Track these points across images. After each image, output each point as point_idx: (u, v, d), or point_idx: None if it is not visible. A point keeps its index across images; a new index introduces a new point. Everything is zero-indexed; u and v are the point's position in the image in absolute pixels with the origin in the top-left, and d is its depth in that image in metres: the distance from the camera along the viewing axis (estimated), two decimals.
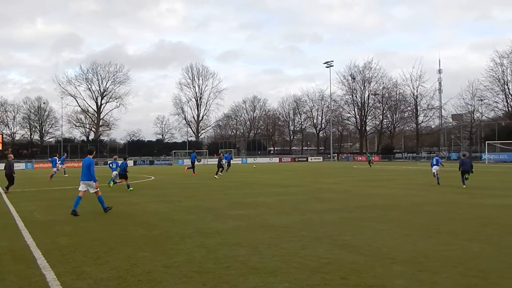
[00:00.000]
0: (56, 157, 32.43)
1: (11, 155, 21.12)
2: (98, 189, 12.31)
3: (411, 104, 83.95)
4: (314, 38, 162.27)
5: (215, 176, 29.21)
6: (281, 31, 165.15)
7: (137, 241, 8.09)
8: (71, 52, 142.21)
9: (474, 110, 75.79)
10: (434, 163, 22.44)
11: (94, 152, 12.72)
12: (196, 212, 12.17)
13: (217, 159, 34.46)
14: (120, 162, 21.73)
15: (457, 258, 6.53)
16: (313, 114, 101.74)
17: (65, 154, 41.09)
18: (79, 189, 12.24)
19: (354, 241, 7.75)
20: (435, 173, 21.95)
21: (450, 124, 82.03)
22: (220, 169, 31.04)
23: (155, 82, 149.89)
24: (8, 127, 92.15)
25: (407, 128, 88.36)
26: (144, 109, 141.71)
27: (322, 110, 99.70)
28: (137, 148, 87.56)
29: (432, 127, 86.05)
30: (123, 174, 20.54)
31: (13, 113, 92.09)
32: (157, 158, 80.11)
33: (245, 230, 9.06)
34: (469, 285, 5.31)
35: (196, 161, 37.84)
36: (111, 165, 23.50)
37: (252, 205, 13.56)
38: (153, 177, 32.03)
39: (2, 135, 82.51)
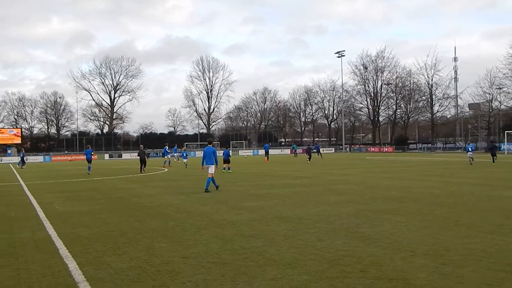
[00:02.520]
0: (166, 147, 39.97)
1: (142, 145, 32.88)
2: (214, 172, 15.57)
3: (425, 94, 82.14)
4: (318, 30, 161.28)
5: (308, 161, 37.85)
6: (285, 24, 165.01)
7: (154, 232, 8.15)
8: (83, 49, 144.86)
9: (492, 98, 73.46)
10: (470, 150, 30.51)
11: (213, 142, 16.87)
12: (210, 203, 12.20)
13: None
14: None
15: (481, 252, 6.34)
16: (325, 105, 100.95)
17: (176, 145, 48.54)
18: (209, 171, 15.39)
19: (371, 233, 7.70)
20: (470, 157, 29.56)
21: (467, 114, 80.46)
22: (308, 156, 39.33)
23: (164, 76, 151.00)
24: (27, 121, 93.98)
25: (422, 118, 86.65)
26: (155, 103, 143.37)
27: (334, 101, 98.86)
28: (150, 140, 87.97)
29: (448, 116, 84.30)
30: (226, 160, 26.52)
31: (30, 107, 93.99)
32: (170, 151, 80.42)
33: (261, 222, 9.06)
34: (497, 279, 5.12)
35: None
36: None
37: (266, 196, 13.56)
38: (166, 169, 32.18)
39: (21, 129, 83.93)
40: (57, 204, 12.87)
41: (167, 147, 40.23)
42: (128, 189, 17.22)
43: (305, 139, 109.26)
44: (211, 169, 15.43)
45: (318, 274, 5.39)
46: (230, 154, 27.66)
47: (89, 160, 28.74)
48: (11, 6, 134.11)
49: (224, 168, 26.28)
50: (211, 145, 15.93)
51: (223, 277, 5.34)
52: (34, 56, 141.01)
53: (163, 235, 7.91)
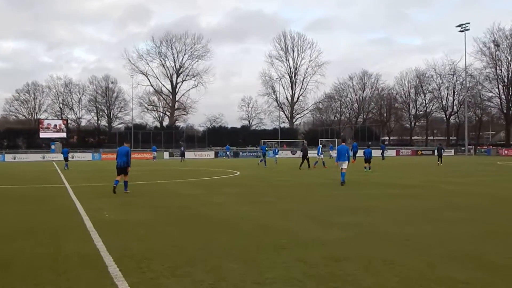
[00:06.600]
0: (320, 145, 44.24)
1: (306, 142, 43.85)
2: (346, 167, 21.44)
3: None
4: (423, 1, 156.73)
5: (439, 163, 40.71)
6: None
7: (223, 250, 8.30)
8: (139, 26, 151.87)
9: None
10: None
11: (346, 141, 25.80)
12: (292, 217, 12.25)
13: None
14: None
15: None
16: (442, 93, 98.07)
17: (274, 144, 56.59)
18: (341, 166, 21.35)
19: (502, 263, 7.35)
20: None
21: None
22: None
23: (234, 57, 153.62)
24: (73, 111, 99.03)
25: None
26: (224, 90, 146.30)
27: (454, 88, 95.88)
28: (218, 136, 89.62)
29: None
30: (368, 159, 32.28)
31: (78, 95, 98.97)
32: (243, 149, 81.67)
33: (356, 242, 8.97)
34: None
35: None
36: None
37: (363, 210, 13.40)
38: (238, 173, 32.72)
39: (67, 120, 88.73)
40: (107, 212, 13.45)
41: (320, 145, 44.26)
42: (193, 195, 17.71)
43: (415, 137, 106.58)
44: (345, 164, 21.31)
45: None
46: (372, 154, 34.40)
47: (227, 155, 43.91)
48: None
49: (365, 168, 31.90)
50: (344, 144, 22.58)
51: None
52: (83, 35, 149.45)
53: (233, 254, 8.04)
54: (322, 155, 39.06)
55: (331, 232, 10.10)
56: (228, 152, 68.31)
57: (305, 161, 36.63)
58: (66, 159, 40.58)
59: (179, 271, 6.99)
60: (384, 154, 59.20)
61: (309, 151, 39.03)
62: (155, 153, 65.19)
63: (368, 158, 32.47)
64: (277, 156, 45.98)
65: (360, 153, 45.14)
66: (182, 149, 63.87)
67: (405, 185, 21.55)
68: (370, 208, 13.74)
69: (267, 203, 15.21)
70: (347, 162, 21.50)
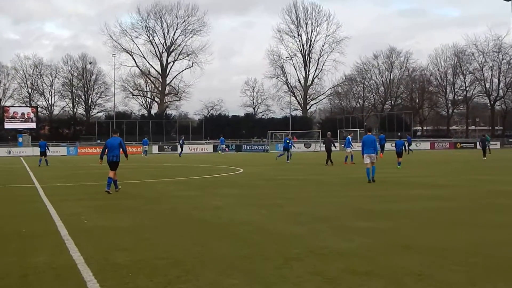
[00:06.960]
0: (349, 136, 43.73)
1: (329, 133, 40.76)
2: (374, 161, 22.03)
3: None
4: None
5: (484, 158, 42.40)
6: None
7: (222, 262, 8.30)
8: None
9: None
10: None
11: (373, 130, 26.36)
12: (304, 222, 12.25)
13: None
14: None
15: None
16: (485, 74, 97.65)
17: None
18: (365, 161, 21.91)
19: None
20: None
21: None
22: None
23: (235, 32, 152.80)
24: (44, 97, 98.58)
25: None
26: (223, 71, 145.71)
27: (499, 69, 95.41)
28: (217, 126, 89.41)
29: None
30: (400, 152, 32.71)
31: (50, 77, 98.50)
32: (247, 142, 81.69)
33: (381, 252, 8.96)
34: None
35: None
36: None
37: (388, 214, 13.43)
38: (241, 170, 32.74)
39: (37, 108, 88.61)
40: (85, 216, 13.48)
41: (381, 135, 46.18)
42: (186, 197, 17.75)
43: (453, 127, 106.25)
44: (372, 158, 21.75)
45: None
46: (406, 145, 36.05)
47: (286, 149, 41.78)
48: None
49: (398, 163, 32.65)
50: (370, 133, 23.16)
51: None
52: (55, 6, 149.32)
53: (234, 266, 8.05)
54: (350, 149, 39.02)
55: (350, 240, 10.08)
56: (223, 145, 66.88)
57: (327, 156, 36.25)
58: (43, 153, 40.02)
59: (170, 287, 7.00)
60: (410, 147, 58.12)
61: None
62: (146, 146, 63.81)
63: (399, 152, 32.80)
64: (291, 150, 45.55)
65: (387, 146, 45.31)
66: (181, 141, 63.94)
67: (437, 185, 21.52)
68: (395, 212, 13.77)
69: (274, 205, 15.20)
70: (374, 154, 21.93)
